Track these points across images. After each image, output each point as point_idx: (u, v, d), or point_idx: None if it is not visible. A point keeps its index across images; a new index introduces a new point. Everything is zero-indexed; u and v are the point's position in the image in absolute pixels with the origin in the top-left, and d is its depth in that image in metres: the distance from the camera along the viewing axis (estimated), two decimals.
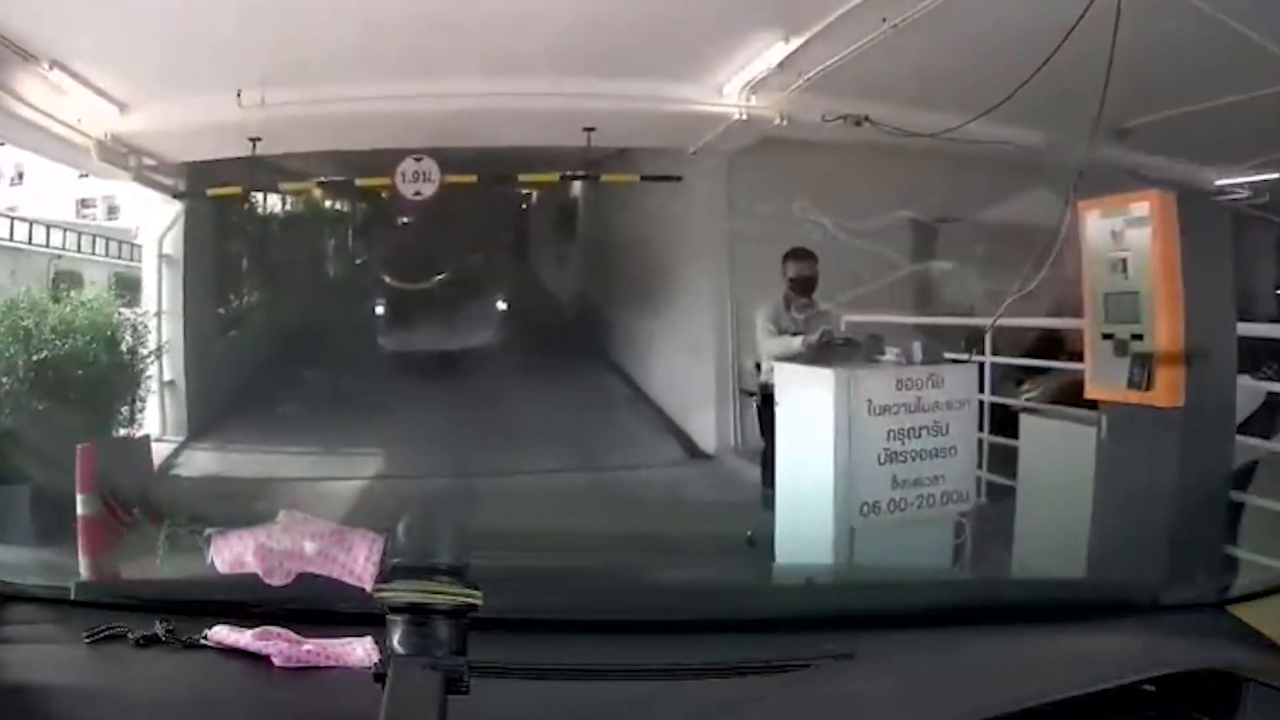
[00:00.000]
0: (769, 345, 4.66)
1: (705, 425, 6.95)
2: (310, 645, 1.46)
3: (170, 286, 7.02)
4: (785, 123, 6.08)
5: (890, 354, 4.17)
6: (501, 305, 9.02)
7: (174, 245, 7.11)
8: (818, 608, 1.78)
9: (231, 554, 1.35)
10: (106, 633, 1.50)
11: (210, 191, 6.78)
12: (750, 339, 5.08)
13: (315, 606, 1.50)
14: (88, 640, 1.49)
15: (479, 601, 1.21)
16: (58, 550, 3.76)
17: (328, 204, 10.46)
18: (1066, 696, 1.30)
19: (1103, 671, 1.37)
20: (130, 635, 1.50)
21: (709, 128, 6.37)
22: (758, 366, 4.81)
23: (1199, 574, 2.83)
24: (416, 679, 1.15)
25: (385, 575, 1.25)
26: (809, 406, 3.86)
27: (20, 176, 8.28)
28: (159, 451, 6.01)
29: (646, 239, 7.91)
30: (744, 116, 6.07)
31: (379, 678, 1.17)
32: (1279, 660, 1.48)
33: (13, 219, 7.76)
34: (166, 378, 6.85)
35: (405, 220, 9.84)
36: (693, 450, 6.94)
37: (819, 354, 4.37)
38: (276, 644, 1.46)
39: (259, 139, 6.11)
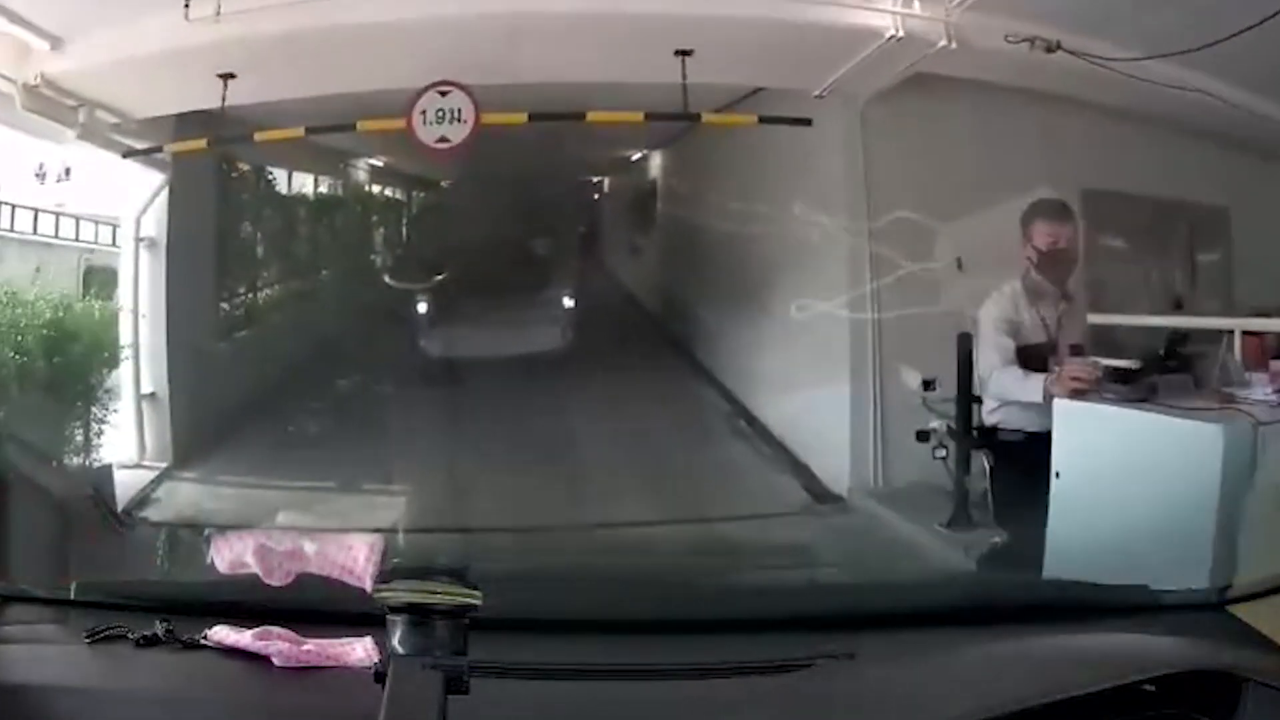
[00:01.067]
0: (1000, 364, 2.99)
1: (834, 457, 5.06)
2: (310, 645, 1.46)
3: (150, 276, 5.46)
4: (953, 44, 4.31)
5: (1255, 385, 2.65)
6: (569, 302, 7.14)
7: (156, 225, 5.49)
8: (818, 608, 1.78)
9: (231, 554, 1.36)
10: (106, 633, 1.51)
11: (169, 148, 5.07)
12: (909, 341, 3.88)
13: (315, 606, 1.50)
14: (88, 640, 1.49)
15: (479, 601, 1.21)
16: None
17: (350, 176, 8.74)
18: (1066, 696, 1.30)
19: (1103, 671, 1.37)
20: (130, 635, 1.50)
21: (845, 54, 4.56)
22: (927, 384, 3.60)
23: None
24: (416, 679, 1.15)
25: (385, 575, 1.25)
26: (1150, 482, 2.24)
27: (67, 173, 7.69)
28: (133, 482, 4.92)
29: (753, 217, 6.08)
30: (899, 34, 4.31)
31: (379, 678, 1.18)
32: (1279, 660, 1.48)
33: (36, 211, 6.97)
34: (146, 389, 5.35)
35: (449, 198, 8.59)
36: (817, 490, 5.06)
37: (1117, 385, 2.77)
38: (276, 644, 1.46)
39: (232, 75, 4.48)
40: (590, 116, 5.03)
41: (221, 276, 6.45)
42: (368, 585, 1.27)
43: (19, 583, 1.73)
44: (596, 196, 10.21)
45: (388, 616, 1.22)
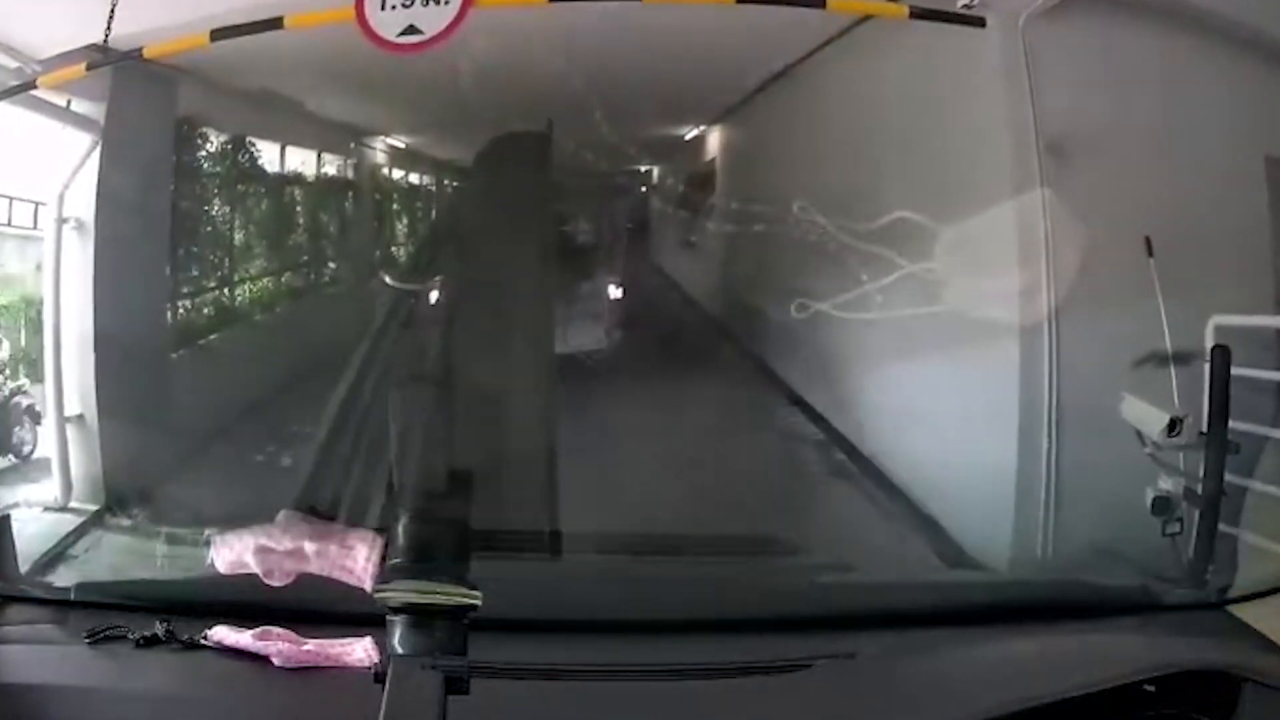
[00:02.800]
0: None
1: (982, 511, 3.50)
2: (310, 645, 1.46)
3: (79, 270, 4.29)
4: None
5: None
6: (616, 293, 5.84)
7: (84, 204, 4.35)
8: (818, 608, 1.78)
9: (231, 554, 1.35)
10: (106, 633, 1.51)
11: (42, 80, 3.83)
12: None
13: (315, 606, 1.49)
14: (88, 640, 1.50)
15: (479, 601, 1.21)
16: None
17: (360, 157, 7.15)
18: (1066, 696, 1.30)
19: (1103, 671, 1.37)
20: (130, 635, 1.50)
21: None
22: (1173, 425, 2.53)
23: None
24: (416, 679, 1.15)
25: (385, 575, 1.25)
26: None
27: None
28: (52, 527, 3.78)
29: (860, 180, 4.49)
30: None
31: (379, 678, 1.18)
32: (1279, 660, 1.49)
33: (37, 204, 6.00)
34: (71, 410, 4.22)
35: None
36: (963, 565, 3.59)
37: None
38: (276, 644, 1.46)
39: None
40: None
41: (175, 271, 5.14)
42: (368, 585, 1.27)
43: (19, 583, 1.73)
44: (644, 189, 8.25)
45: (388, 616, 1.22)
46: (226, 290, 5.75)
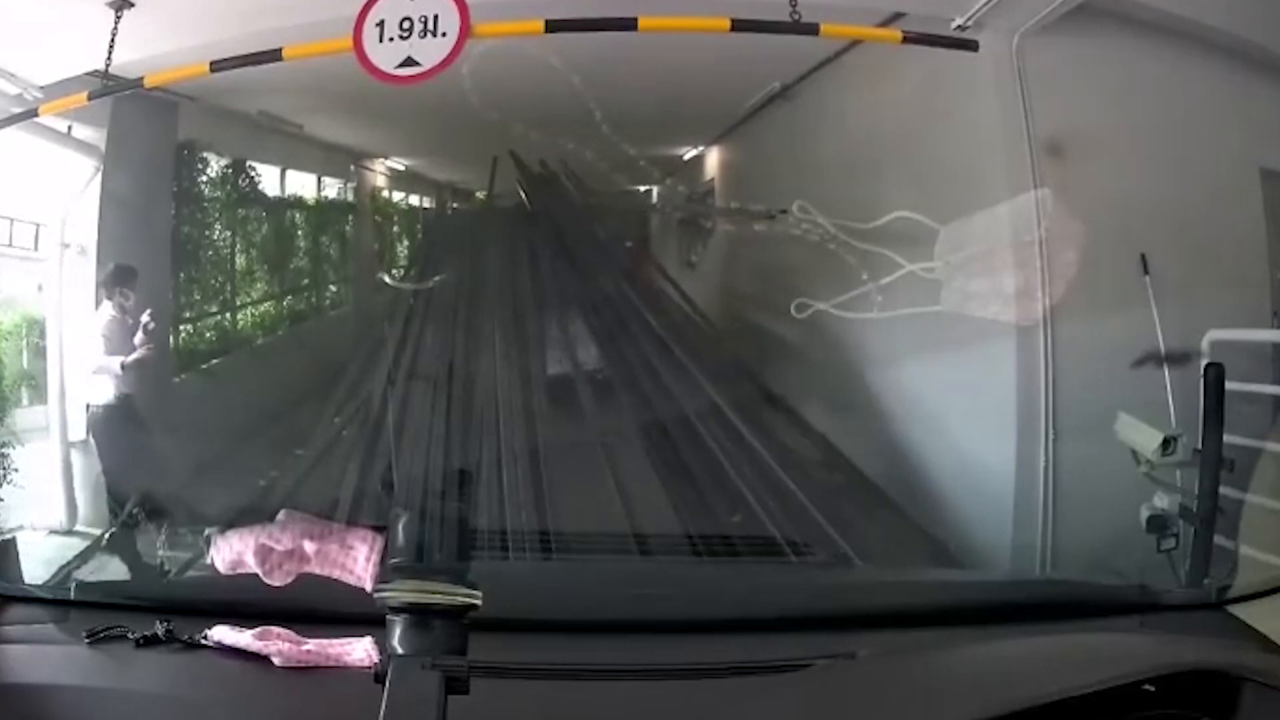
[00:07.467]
0: None
1: (982, 527, 3.43)
2: (310, 645, 1.46)
3: (82, 294, 4.26)
4: None
5: None
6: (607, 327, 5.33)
7: (85, 229, 4.31)
8: (818, 608, 1.78)
9: (231, 554, 1.36)
10: (106, 633, 1.51)
11: (43, 109, 3.81)
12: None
13: (315, 606, 1.49)
14: (88, 640, 1.50)
15: (479, 601, 1.21)
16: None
17: (362, 180, 7.55)
18: (1066, 696, 1.30)
19: (1103, 671, 1.37)
20: (130, 635, 1.50)
21: None
22: (1167, 444, 2.51)
23: None
24: (416, 679, 1.15)
25: (385, 575, 1.25)
26: None
27: None
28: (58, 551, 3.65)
29: (855, 202, 4.25)
30: None
31: (379, 678, 1.18)
32: (1279, 660, 1.49)
33: (38, 225, 5.81)
34: (73, 435, 4.21)
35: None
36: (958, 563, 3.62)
37: None
38: (276, 644, 1.46)
39: (129, 3, 3.34)
40: (644, 23, 3.27)
41: (178, 295, 5.05)
42: (368, 585, 1.27)
43: (19, 583, 1.73)
44: (644, 208, 9.04)
45: (388, 616, 1.22)
46: (228, 313, 5.54)
